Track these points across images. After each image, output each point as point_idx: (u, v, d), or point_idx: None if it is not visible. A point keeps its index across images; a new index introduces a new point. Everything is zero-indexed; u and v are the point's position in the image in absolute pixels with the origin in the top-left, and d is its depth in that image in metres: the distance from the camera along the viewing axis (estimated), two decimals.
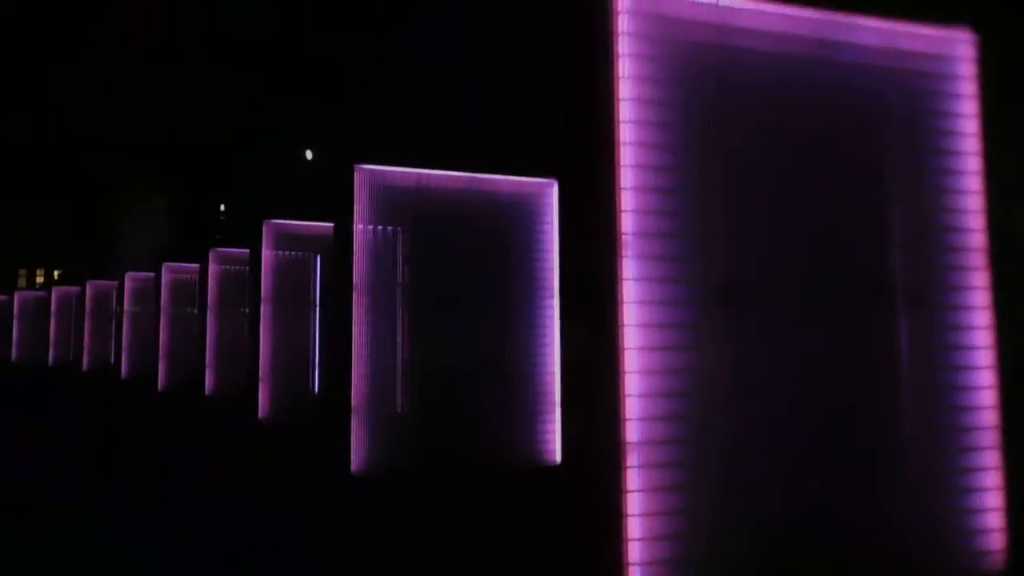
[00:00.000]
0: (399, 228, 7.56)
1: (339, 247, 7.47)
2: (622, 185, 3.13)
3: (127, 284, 20.85)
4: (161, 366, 17.28)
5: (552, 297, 7.89)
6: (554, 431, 7.70)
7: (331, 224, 11.89)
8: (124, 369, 20.00)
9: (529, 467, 7.54)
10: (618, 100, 3.13)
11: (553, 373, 7.75)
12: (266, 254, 12.03)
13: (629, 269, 3.12)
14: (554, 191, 7.92)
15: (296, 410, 11.84)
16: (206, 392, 14.71)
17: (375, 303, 7.37)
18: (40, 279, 53.02)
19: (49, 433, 11.45)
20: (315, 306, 12.78)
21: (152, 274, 19.21)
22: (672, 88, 3.21)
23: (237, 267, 15.29)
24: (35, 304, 28.42)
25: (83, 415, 13.79)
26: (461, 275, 7.72)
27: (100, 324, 23.43)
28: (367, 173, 7.36)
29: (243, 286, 14.60)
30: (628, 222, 3.14)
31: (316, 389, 12.67)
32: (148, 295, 19.78)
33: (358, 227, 7.26)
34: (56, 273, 52.60)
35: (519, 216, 7.89)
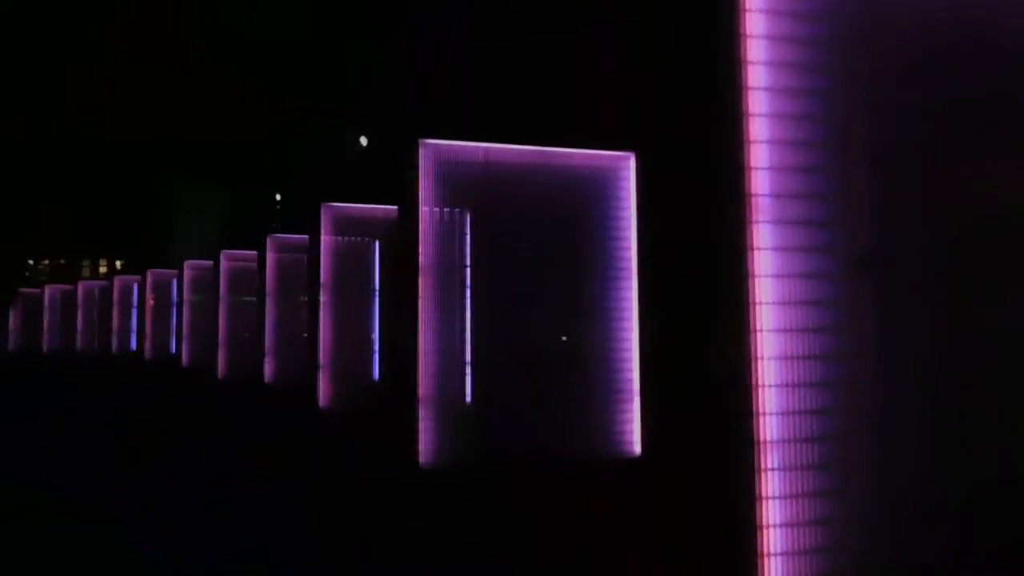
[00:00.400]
0: (465, 208, 7.15)
1: (403, 229, 7.09)
2: (751, 138, 2.65)
3: (186, 273, 20.89)
4: (220, 354, 17.23)
5: (629, 278, 7.41)
6: (632, 422, 7.24)
7: (390, 207, 11.56)
8: (185, 358, 20.05)
9: (606, 460, 7.09)
10: (744, 37, 2.65)
11: (631, 360, 7.28)
12: (325, 239, 11.76)
13: (761, 236, 2.64)
14: (631, 164, 7.43)
15: (357, 399, 11.56)
16: (266, 380, 14.56)
17: (440, 288, 6.98)
18: (103, 269, 54.18)
19: (108, 424, 11.37)
20: (375, 292, 12.50)
21: (211, 262, 19.18)
22: (811, 22, 2.72)
23: (295, 254, 15.11)
24: (99, 293, 28.78)
25: (143, 406, 13.73)
26: (530, 256, 7.28)
27: (161, 313, 23.59)
28: (432, 149, 6.95)
29: (302, 273, 14.40)
30: (759, 182, 2.66)
31: (377, 377, 12.39)
32: (207, 284, 19.78)
33: (423, 208, 6.87)
34: (119, 263, 53.67)
35: (593, 192, 7.41)
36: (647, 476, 6.79)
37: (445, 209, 7.02)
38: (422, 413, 6.84)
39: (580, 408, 7.21)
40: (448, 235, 7.05)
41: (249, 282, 17.29)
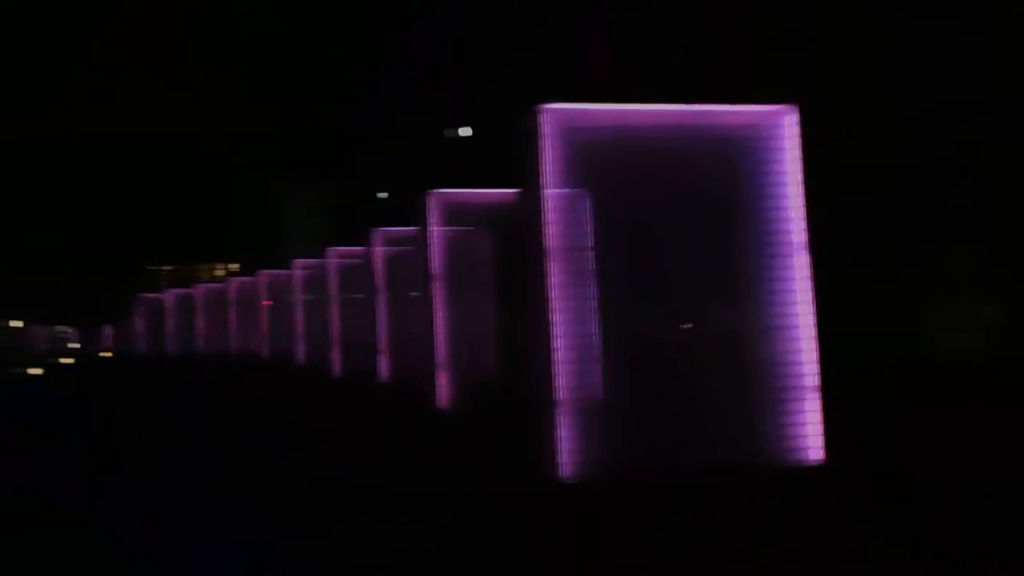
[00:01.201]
0: (595, 181, 6.19)
1: (524, 209, 6.20)
2: None
3: (296, 272, 20.75)
4: (334, 353, 16.93)
5: (792, 255, 6.31)
6: (808, 423, 6.15)
7: (504, 191, 10.75)
8: (300, 357, 19.93)
9: (780, 469, 6.04)
10: None
11: (802, 351, 6.18)
12: (433, 229, 11.06)
13: None
14: (790, 121, 6.32)
15: (479, 399, 10.83)
16: (381, 379, 14.05)
17: (571, 274, 6.06)
18: (222, 272, 55.87)
19: (226, 427, 11.03)
20: (493, 283, 11.74)
21: (320, 261, 18.90)
22: None
23: (404, 247, 14.56)
24: (215, 296, 29.27)
25: (260, 407, 13.43)
26: (674, 233, 6.27)
27: (275, 313, 23.67)
28: (554, 115, 6.02)
29: (413, 266, 13.82)
30: None
31: (499, 375, 11.64)
32: (318, 282, 19.55)
33: (546, 184, 5.95)
34: (234, 266, 55.21)
35: (743, 156, 6.34)
36: (839, 487, 5.74)
37: (571, 185, 6.09)
38: (560, 418, 5.95)
39: (740, 408, 6.17)
40: (576, 213, 6.12)
41: (360, 279, 16.86)
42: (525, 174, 6.12)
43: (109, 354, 39.08)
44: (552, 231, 5.90)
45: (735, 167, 6.30)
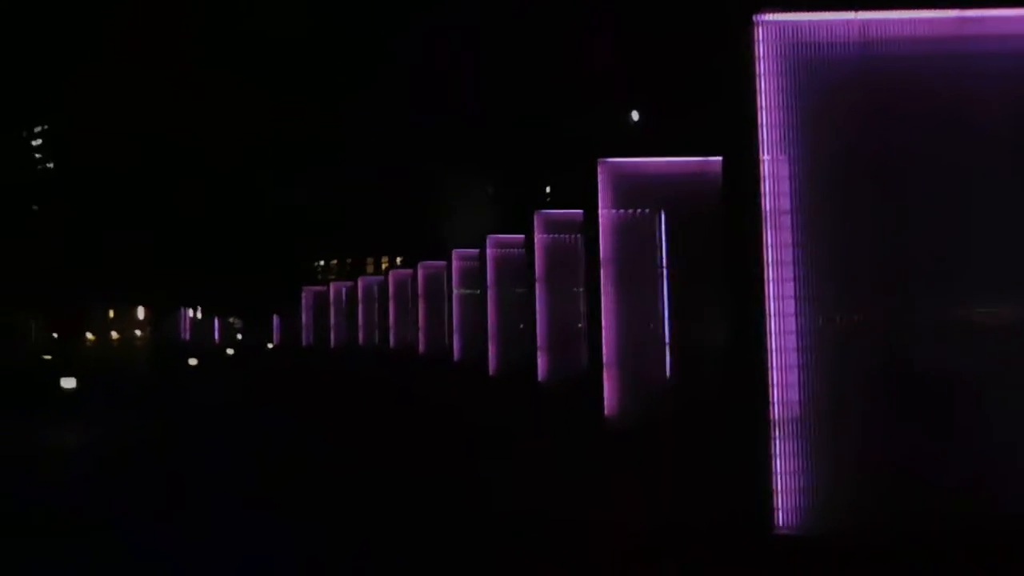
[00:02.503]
0: (835, 126, 4.57)
1: (736, 155, 4.67)
2: None
3: (454, 264, 19.86)
4: (491, 350, 15.87)
5: None
6: None
7: (682, 159, 9.22)
8: (456, 353, 19.08)
9: None
10: None
11: None
12: (603, 212, 9.65)
13: None
14: None
15: (651, 407, 9.34)
16: (539, 379, 12.79)
17: (800, 253, 4.50)
18: (384, 265, 56.84)
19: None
20: (663, 274, 10.21)
21: (477, 251, 17.89)
22: None
23: (568, 234, 13.25)
24: (376, 289, 29.10)
25: (413, 411, 12.52)
26: (944, 194, 4.57)
27: (432, 306, 23.06)
28: (775, 28, 4.44)
29: (576, 254, 12.45)
30: None
31: (672, 377, 10.09)
32: (475, 274, 18.59)
33: (765, 124, 4.41)
34: (398, 259, 55.98)
35: None
36: None
37: (796, 129, 4.50)
38: (778, 445, 4.41)
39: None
40: (805, 169, 4.53)
41: (519, 269, 15.67)
42: (731, 118, 4.60)
43: (271, 345, 40.28)
44: (772, 188, 4.34)
45: None
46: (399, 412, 12.35)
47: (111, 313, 46.94)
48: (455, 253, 20.01)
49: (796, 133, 4.46)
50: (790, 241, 4.38)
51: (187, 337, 45.19)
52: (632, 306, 9.84)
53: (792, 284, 4.40)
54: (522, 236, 14.47)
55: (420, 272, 23.79)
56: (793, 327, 4.43)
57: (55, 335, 37.74)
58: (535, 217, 13.27)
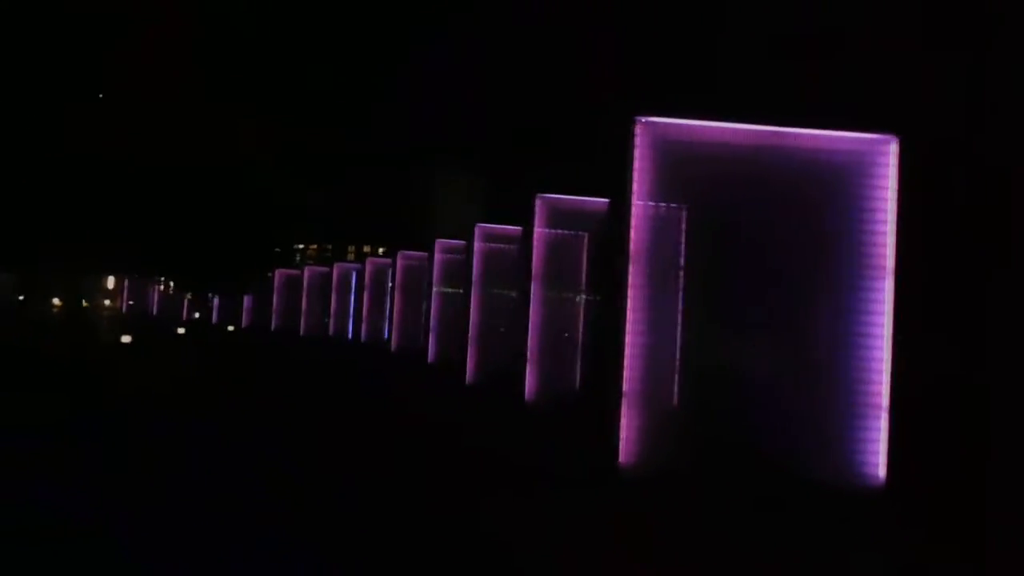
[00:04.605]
0: (686, 199, 7.11)
1: (613, 222, 7.22)
2: None
3: (436, 256, 20.37)
4: (470, 354, 15.64)
5: (883, 278, 6.98)
6: (876, 440, 6.84)
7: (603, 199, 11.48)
8: (430, 355, 19.43)
9: (841, 484, 6.77)
10: None
11: (881, 371, 6.87)
12: (537, 232, 12.05)
13: None
14: (891, 150, 7.00)
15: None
16: (526, 396, 12.04)
17: (654, 282, 7.00)
18: (367, 249, 58.61)
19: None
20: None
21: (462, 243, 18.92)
22: None
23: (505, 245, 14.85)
24: (354, 276, 30.29)
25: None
26: (760, 249, 7.12)
27: (410, 301, 24.07)
28: (650, 128, 6.96)
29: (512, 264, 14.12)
30: None
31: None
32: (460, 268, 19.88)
33: (636, 201, 6.89)
34: (380, 250, 57.81)
35: (839, 181, 7.07)
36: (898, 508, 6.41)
37: (662, 199, 7.02)
38: (624, 408, 6.89)
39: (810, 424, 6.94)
40: (665, 226, 7.04)
41: (512, 266, 15.27)
42: (617, 183, 7.10)
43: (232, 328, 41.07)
44: (636, 238, 6.84)
45: (832, 192, 7.05)
46: (351, 429, 10.82)
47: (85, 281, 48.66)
48: (439, 244, 20.00)
49: (658, 192, 6.97)
50: (648, 276, 6.91)
51: (155, 311, 47.15)
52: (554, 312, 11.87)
53: (648, 304, 6.92)
54: (519, 228, 13.63)
55: (399, 262, 23.94)
56: (647, 335, 6.95)
57: (20, 297, 39.83)
58: (476, 229, 14.53)
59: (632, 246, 6.78)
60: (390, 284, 25.09)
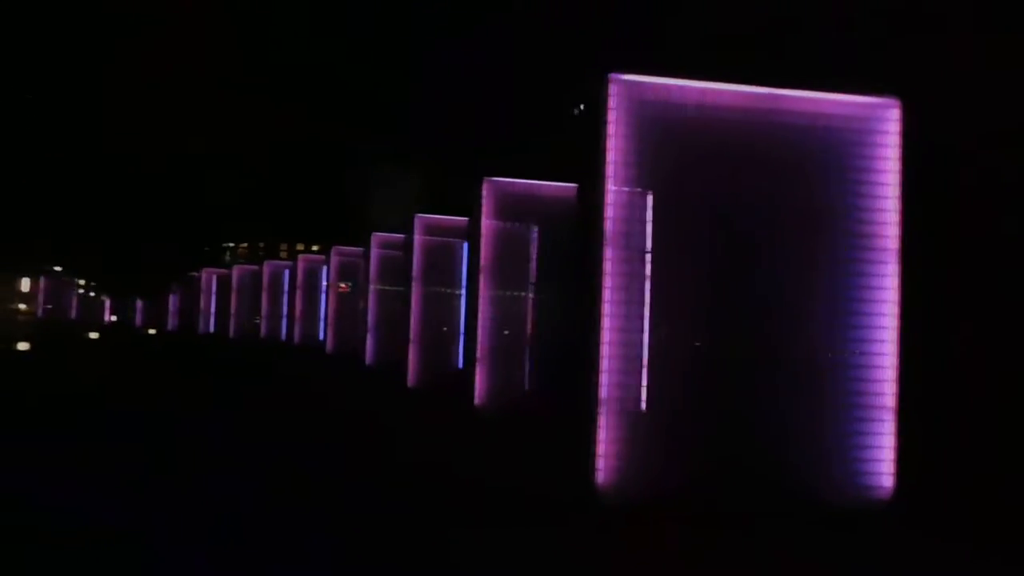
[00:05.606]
0: (666, 168, 6.29)
1: (583, 207, 6.40)
2: None
3: (373, 251, 20.06)
4: (412, 354, 15.15)
5: (887, 262, 6.30)
6: (882, 447, 6.14)
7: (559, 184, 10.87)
8: (368, 357, 18.61)
9: (844, 498, 6.06)
10: None
11: (885, 368, 6.17)
12: (485, 223, 11.27)
13: None
14: (893, 116, 6.32)
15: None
16: (475, 401, 11.45)
17: (627, 275, 6.20)
18: (300, 248, 57.56)
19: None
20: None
21: (402, 236, 18.50)
22: None
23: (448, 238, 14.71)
24: (286, 275, 29.73)
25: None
26: (745, 233, 6.36)
27: (345, 298, 23.51)
28: (625, 88, 6.16)
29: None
30: None
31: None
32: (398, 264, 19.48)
33: (609, 186, 6.06)
34: (315, 247, 56.81)
35: (836, 150, 6.37)
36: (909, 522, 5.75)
37: (636, 170, 6.21)
38: (601, 421, 6.10)
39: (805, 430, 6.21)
40: (636, 209, 6.23)
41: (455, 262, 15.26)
42: (587, 157, 6.29)
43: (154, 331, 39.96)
44: (611, 226, 6.02)
45: (825, 162, 6.33)
46: (272, 442, 9.51)
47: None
48: (376, 238, 19.06)
49: (635, 169, 6.16)
50: (623, 270, 6.09)
51: (75, 315, 45.49)
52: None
53: (624, 292, 6.11)
54: (465, 219, 13.02)
55: (333, 259, 23.80)
56: (622, 336, 6.14)
57: None
58: (416, 220, 14.03)
59: (608, 226, 5.97)
60: (324, 282, 24.69)
